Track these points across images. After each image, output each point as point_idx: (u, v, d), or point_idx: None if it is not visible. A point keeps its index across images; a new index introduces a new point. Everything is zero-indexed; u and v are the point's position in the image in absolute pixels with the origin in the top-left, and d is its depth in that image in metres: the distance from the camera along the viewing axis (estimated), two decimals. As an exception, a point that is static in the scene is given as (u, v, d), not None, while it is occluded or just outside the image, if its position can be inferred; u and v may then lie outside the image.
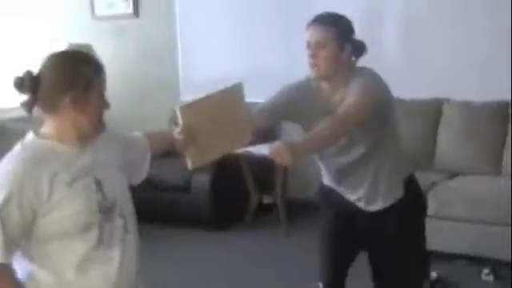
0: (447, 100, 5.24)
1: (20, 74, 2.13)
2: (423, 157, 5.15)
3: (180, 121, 2.48)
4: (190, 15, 6.45)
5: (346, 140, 2.89)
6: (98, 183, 2.15)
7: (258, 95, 5.53)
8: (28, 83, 2.10)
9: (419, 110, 5.25)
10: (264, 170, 5.55)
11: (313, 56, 2.85)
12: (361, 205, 3.02)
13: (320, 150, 2.94)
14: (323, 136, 2.70)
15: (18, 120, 5.87)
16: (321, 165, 3.12)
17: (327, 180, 3.14)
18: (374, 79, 2.88)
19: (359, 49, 2.92)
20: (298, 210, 5.60)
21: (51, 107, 2.12)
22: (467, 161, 5.01)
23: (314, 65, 2.86)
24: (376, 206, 2.99)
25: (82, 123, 2.13)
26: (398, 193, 2.98)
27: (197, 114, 2.52)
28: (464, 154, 5.03)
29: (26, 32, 7.08)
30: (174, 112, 2.51)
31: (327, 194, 3.14)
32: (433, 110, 5.24)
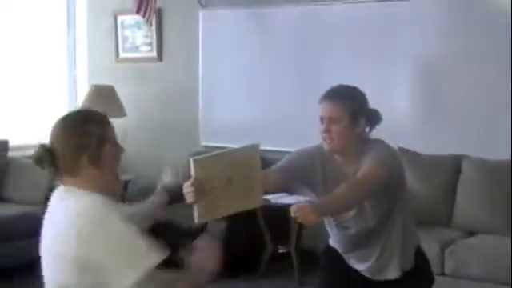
0: (466, 157, 5.20)
1: (36, 150, 2.19)
2: (441, 214, 5.10)
3: (192, 173, 2.47)
4: (213, 62, 6.51)
5: (356, 211, 2.87)
6: None
7: (275, 143, 5.61)
8: (46, 158, 2.17)
9: (438, 166, 5.22)
10: (280, 219, 5.51)
11: (326, 131, 2.84)
12: (366, 274, 3.00)
13: (340, 212, 2.91)
14: (343, 199, 2.68)
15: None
16: (328, 230, 3.11)
17: (334, 242, 3.12)
18: (388, 152, 2.87)
19: (374, 119, 2.90)
20: (312, 261, 5.54)
21: (72, 172, 2.18)
22: (485, 220, 4.94)
23: (326, 139, 2.85)
24: (382, 277, 2.98)
25: (104, 177, 2.21)
26: (407, 265, 2.96)
27: (210, 169, 2.50)
28: (482, 213, 4.97)
29: (50, 72, 7.17)
30: (188, 163, 2.50)
31: (332, 256, 3.12)
32: (452, 167, 5.20)
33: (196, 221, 2.54)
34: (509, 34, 5.11)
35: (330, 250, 3.14)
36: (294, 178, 2.96)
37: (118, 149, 2.25)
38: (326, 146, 2.87)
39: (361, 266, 3.01)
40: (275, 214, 5.25)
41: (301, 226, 5.67)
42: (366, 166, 2.75)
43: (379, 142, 2.90)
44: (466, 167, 5.15)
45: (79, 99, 6.90)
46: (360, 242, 2.97)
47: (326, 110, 2.85)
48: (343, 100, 2.84)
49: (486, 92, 5.28)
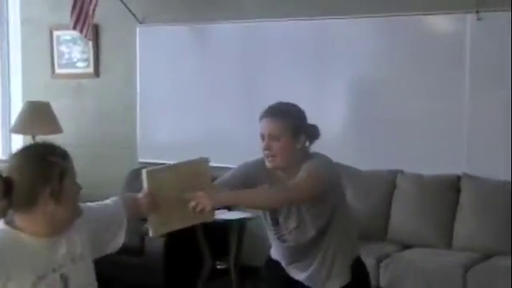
0: (401, 172, 5.30)
1: None
2: (377, 227, 5.18)
3: (145, 184, 2.47)
4: (151, 78, 6.49)
5: (296, 224, 2.93)
6: (65, 280, 2.11)
7: (214, 159, 5.60)
8: (2, 188, 2.03)
9: (373, 181, 5.30)
10: (219, 235, 5.52)
11: (267, 148, 2.89)
12: (308, 284, 3.05)
13: (243, 205, 2.98)
14: (261, 195, 2.80)
15: None
16: (271, 242, 3.15)
17: (275, 254, 3.15)
18: (324, 162, 2.94)
19: (313, 135, 2.98)
20: (251, 277, 5.56)
21: (29, 204, 2.06)
22: (419, 233, 5.04)
23: (268, 156, 2.90)
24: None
25: (61, 213, 2.10)
26: (345, 278, 3.01)
27: (163, 180, 2.52)
28: (416, 227, 5.06)
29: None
30: (141, 174, 2.50)
31: (273, 267, 3.15)
32: (387, 182, 5.29)
33: (152, 234, 2.54)
34: (439, 52, 5.27)
35: (272, 262, 3.17)
36: (239, 189, 3.00)
37: (77, 186, 2.17)
38: (268, 164, 2.92)
39: (301, 276, 3.05)
40: (214, 229, 5.25)
41: (240, 242, 5.68)
42: (299, 175, 2.82)
43: (318, 155, 2.97)
44: (400, 182, 5.25)
45: (13, 116, 6.77)
46: (299, 253, 3.01)
47: (266, 127, 2.89)
48: (284, 117, 2.89)
49: (421, 108, 5.39)
